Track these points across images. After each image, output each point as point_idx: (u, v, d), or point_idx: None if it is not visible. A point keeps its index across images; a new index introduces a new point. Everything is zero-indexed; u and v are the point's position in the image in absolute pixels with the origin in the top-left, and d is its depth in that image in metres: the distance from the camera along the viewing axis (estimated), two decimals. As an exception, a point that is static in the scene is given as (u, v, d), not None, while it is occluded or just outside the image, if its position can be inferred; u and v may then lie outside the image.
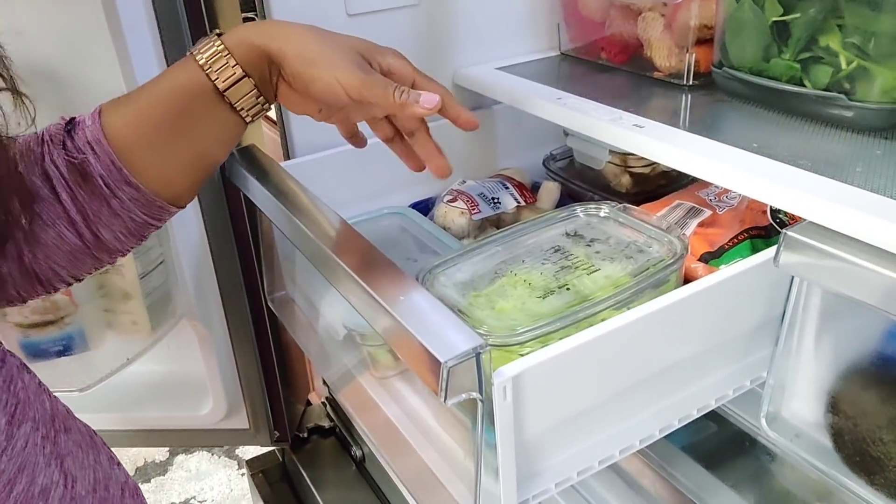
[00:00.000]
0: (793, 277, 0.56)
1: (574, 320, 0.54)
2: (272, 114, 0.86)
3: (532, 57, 0.95)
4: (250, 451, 1.12)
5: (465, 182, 0.89)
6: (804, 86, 0.65)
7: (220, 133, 0.58)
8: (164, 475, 1.94)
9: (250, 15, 0.82)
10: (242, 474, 1.90)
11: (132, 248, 0.58)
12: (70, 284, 0.57)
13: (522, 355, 0.48)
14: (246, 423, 0.99)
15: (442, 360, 0.43)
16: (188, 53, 0.56)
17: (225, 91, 0.55)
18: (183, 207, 0.59)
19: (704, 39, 0.77)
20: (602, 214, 0.66)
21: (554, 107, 0.75)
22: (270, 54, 0.56)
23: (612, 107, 0.73)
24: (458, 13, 0.89)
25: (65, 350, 0.77)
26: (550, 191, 0.88)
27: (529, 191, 0.88)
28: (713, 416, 0.70)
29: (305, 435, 1.05)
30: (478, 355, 0.43)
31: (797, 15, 0.63)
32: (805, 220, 0.53)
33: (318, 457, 1.02)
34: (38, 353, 0.76)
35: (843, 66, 0.62)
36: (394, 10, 0.84)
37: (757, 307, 0.60)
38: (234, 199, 0.83)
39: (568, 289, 0.57)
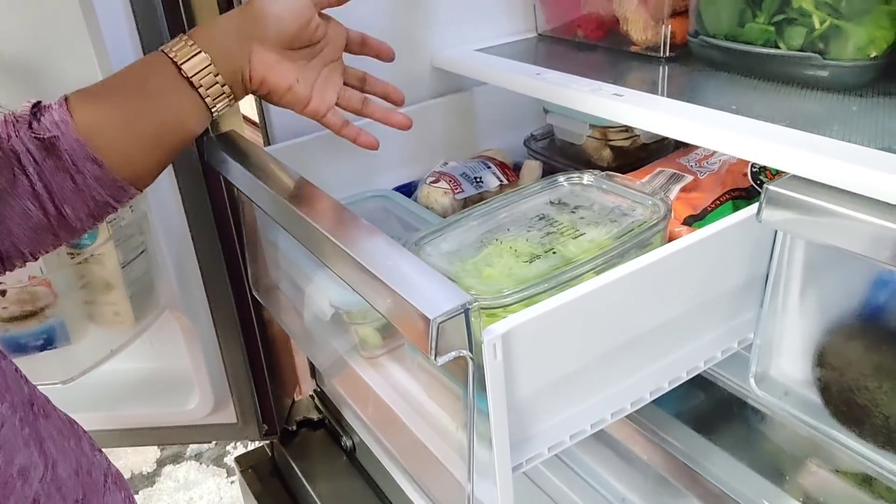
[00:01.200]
0: (776, 233, 0.56)
1: (559, 282, 0.54)
2: (252, 112, 0.86)
3: (509, 39, 0.95)
4: (239, 459, 1.11)
5: (446, 164, 0.88)
6: (779, 48, 0.66)
7: (184, 115, 0.59)
8: (151, 486, 1.91)
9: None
10: (232, 482, 1.88)
11: (90, 228, 0.59)
12: (26, 262, 0.58)
13: (510, 317, 0.48)
14: (234, 418, 0.98)
15: (431, 317, 0.42)
16: (167, 57, 0.58)
17: (190, 77, 0.58)
18: (141, 190, 0.59)
19: (679, 11, 0.78)
20: (585, 182, 0.66)
21: (533, 82, 0.76)
22: (245, 23, 0.60)
23: (591, 79, 0.73)
24: (434, -6, 0.89)
25: (46, 344, 0.76)
26: (532, 169, 0.88)
27: (512, 170, 0.88)
28: (702, 382, 0.70)
29: (294, 428, 1.04)
30: (466, 311, 0.43)
31: (769, -22, 0.64)
32: (786, 174, 0.54)
33: (308, 449, 1.01)
34: (19, 348, 0.75)
35: (817, 25, 0.62)
36: (369, -9, 0.84)
37: (741, 266, 0.60)
38: (215, 185, 0.82)
39: (554, 253, 0.57)
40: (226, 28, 0.61)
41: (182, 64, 0.58)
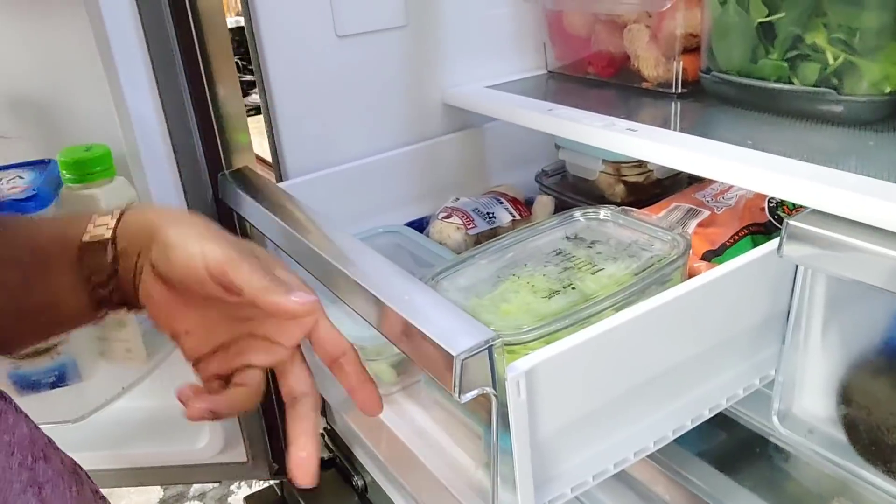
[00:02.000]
0: (797, 268, 0.56)
1: (578, 318, 0.53)
2: (264, 152, 0.86)
3: (519, 76, 0.96)
4: (248, 498, 1.09)
5: (458, 199, 0.88)
6: (793, 84, 0.66)
7: (61, 300, 0.49)
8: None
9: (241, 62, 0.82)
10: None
11: None
12: None
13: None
14: (244, 457, 0.96)
15: (454, 354, 0.42)
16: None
17: (83, 244, 0.48)
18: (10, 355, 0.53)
19: (690, 48, 0.78)
20: (601, 217, 0.66)
21: (546, 117, 0.76)
22: (152, 228, 0.48)
23: (603, 115, 0.74)
24: (446, 34, 0.90)
25: (58, 381, 0.75)
26: (545, 204, 0.88)
27: (524, 205, 0.88)
28: (724, 421, 0.69)
29: (304, 467, 1.02)
30: (490, 348, 0.43)
31: (782, 15, 0.65)
32: (805, 209, 0.53)
33: (318, 488, 0.99)
34: (31, 384, 0.74)
35: (831, 61, 0.63)
36: (383, 32, 0.85)
37: (762, 301, 0.59)
38: (228, 224, 0.82)
39: (573, 288, 0.57)
40: (138, 224, 0.49)
41: (83, 244, 0.48)
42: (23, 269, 0.49)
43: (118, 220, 0.49)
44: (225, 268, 0.45)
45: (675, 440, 0.60)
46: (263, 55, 0.79)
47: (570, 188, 0.92)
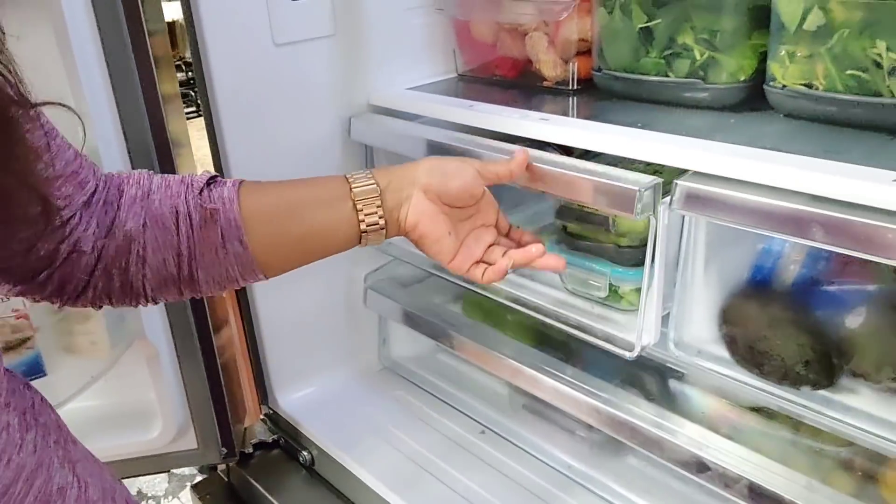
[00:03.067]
0: (683, 219, 0.70)
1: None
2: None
3: (433, 79, 1.07)
4: (196, 486, 1.13)
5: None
6: (669, 77, 0.81)
7: (336, 230, 0.66)
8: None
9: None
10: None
11: (209, 294, 0.65)
12: (147, 304, 0.63)
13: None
14: (194, 443, 1.02)
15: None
16: (345, 177, 0.67)
17: (356, 199, 0.65)
18: (268, 278, 0.65)
19: (583, 51, 0.92)
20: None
21: (468, 112, 0.88)
22: (416, 172, 0.69)
23: (516, 108, 0.86)
24: (369, 42, 1.00)
25: (26, 375, 0.79)
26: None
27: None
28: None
29: (251, 450, 1.08)
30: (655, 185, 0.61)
31: (658, 21, 0.80)
32: (689, 172, 0.68)
33: (267, 468, 1.06)
34: None
35: (698, 57, 0.78)
36: (315, 40, 0.94)
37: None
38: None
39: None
40: (399, 172, 0.69)
41: (354, 186, 0.66)
42: (314, 207, 0.65)
43: (381, 207, 0.66)
44: (484, 172, 0.70)
45: (593, 372, 0.74)
46: (208, 63, 0.86)
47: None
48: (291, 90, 0.94)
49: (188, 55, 0.89)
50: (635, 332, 0.72)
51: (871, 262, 0.65)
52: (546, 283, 0.87)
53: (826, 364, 0.66)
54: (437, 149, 0.85)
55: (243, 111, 0.91)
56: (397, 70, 1.04)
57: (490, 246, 0.72)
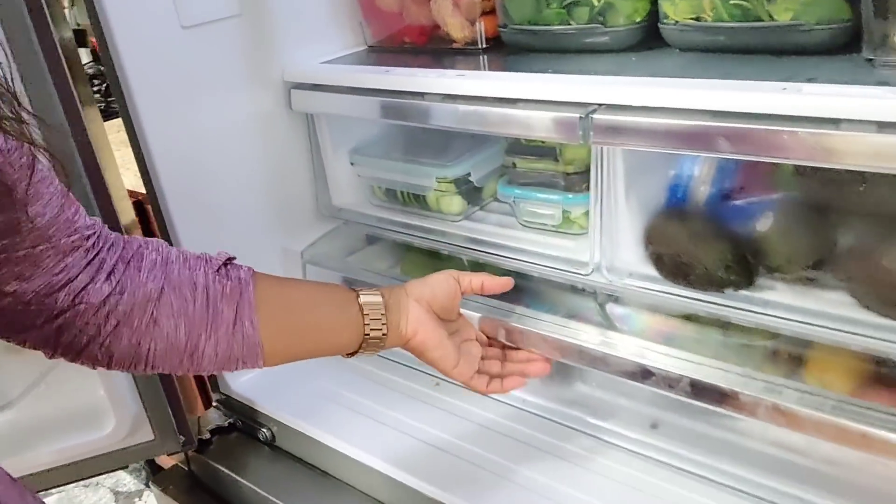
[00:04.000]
0: (600, 149, 0.76)
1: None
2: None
3: (343, 53, 1.09)
4: (156, 479, 1.13)
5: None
6: (571, 25, 0.87)
7: (340, 332, 0.71)
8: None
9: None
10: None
11: (206, 374, 0.69)
12: (146, 370, 0.63)
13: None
14: (151, 435, 1.01)
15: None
16: (351, 287, 0.73)
17: (363, 305, 0.71)
18: (262, 367, 0.66)
19: (487, 11, 0.97)
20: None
21: (386, 77, 0.91)
22: (411, 287, 0.76)
23: (433, 69, 0.90)
24: (276, 19, 1.01)
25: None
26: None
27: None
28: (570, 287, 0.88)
29: (208, 436, 1.09)
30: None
31: (557, -27, 0.85)
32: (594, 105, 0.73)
33: (228, 450, 1.07)
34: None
35: (595, 4, 0.84)
36: (221, 21, 0.94)
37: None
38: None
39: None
40: (390, 289, 0.74)
41: (361, 294, 0.72)
42: (322, 306, 0.71)
43: (385, 317, 0.72)
44: (462, 282, 0.78)
45: (538, 308, 0.79)
46: (119, 55, 0.85)
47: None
48: (205, 73, 0.94)
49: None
50: (588, 252, 0.80)
51: (771, 173, 0.73)
52: (498, 224, 0.96)
53: (744, 266, 0.73)
54: (393, 108, 0.90)
55: (160, 100, 0.90)
56: (307, 46, 1.05)
57: (482, 359, 0.80)
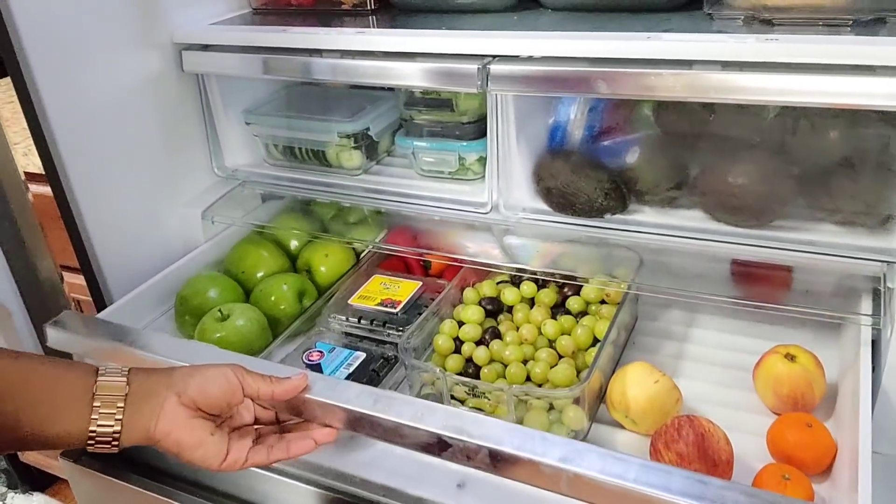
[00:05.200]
0: (495, 97, 0.85)
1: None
2: None
3: (228, 15, 1.11)
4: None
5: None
6: (454, -14, 0.96)
7: (59, 421, 0.59)
8: None
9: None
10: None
11: None
12: None
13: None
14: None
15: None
16: (95, 369, 0.61)
17: (96, 392, 0.59)
18: None
19: (372, -26, 1.03)
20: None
21: (286, 35, 0.95)
22: (173, 377, 0.63)
23: (329, 28, 0.96)
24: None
25: None
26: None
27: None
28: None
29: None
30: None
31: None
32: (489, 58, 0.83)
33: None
34: None
35: (475, -33, 0.93)
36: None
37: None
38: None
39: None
40: (155, 376, 0.63)
41: (101, 377, 0.60)
42: (43, 388, 0.58)
43: (122, 410, 0.59)
44: (246, 386, 0.64)
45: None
46: (14, 25, 0.84)
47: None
48: (96, 36, 0.93)
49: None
50: (486, 192, 0.90)
51: (633, 113, 0.87)
52: (397, 175, 1.03)
53: (619, 193, 0.86)
54: (290, 65, 0.94)
55: (53, 69, 0.89)
56: (192, 7, 1.06)
57: (258, 437, 0.67)
